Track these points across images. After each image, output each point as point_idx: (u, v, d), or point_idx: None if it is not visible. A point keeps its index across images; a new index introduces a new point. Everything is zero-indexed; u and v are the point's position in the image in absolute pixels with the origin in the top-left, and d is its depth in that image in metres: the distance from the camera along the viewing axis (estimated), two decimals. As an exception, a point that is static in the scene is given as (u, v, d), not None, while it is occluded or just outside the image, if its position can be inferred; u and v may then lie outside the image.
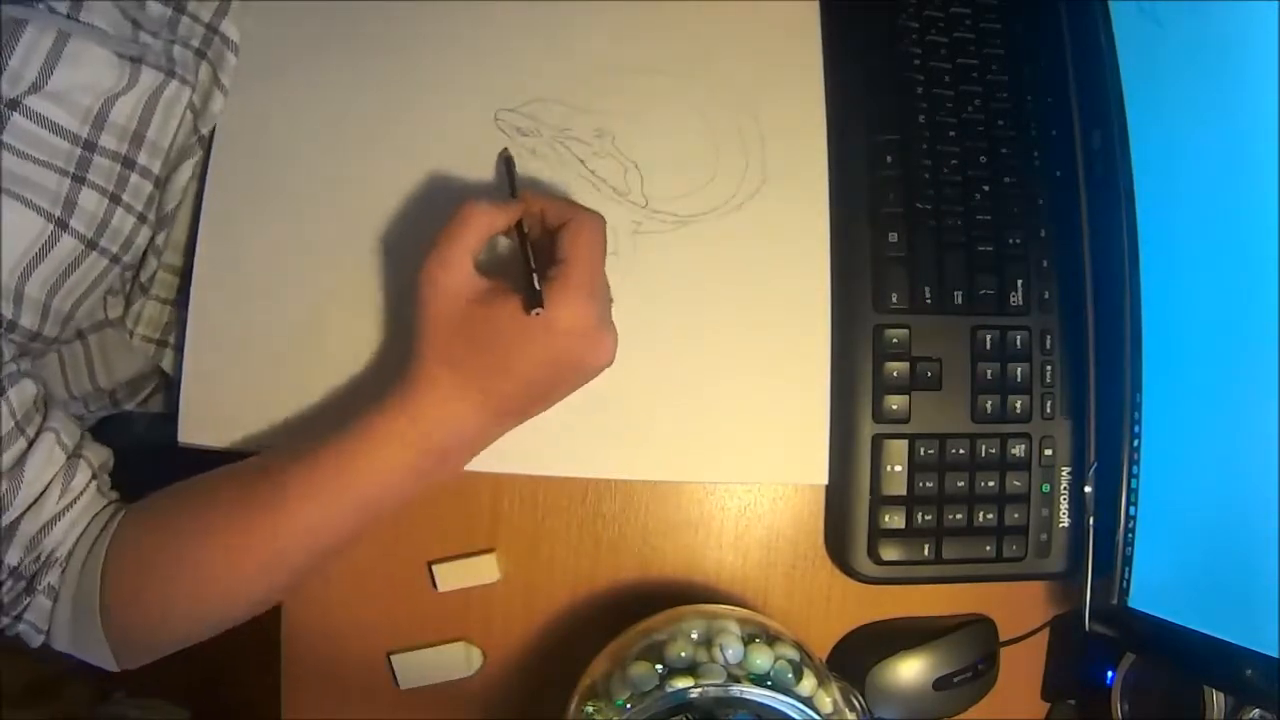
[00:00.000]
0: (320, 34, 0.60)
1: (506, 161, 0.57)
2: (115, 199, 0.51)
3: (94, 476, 0.50)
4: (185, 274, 0.60)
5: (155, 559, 0.48)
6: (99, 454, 0.51)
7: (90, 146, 0.49)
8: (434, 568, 0.58)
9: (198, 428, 0.57)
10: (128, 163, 0.51)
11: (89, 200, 0.49)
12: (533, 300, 0.46)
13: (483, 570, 0.58)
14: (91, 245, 0.50)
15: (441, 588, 0.58)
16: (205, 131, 0.58)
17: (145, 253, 0.57)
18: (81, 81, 0.47)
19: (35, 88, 0.45)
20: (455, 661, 0.59)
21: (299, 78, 0.60)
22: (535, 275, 0.47)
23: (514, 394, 0.49)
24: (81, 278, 0.50)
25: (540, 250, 0.50)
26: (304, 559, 0.50)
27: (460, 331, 0.48)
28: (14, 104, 0.45)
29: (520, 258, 0.49)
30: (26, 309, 0.47)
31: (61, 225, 0.48)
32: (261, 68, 0.60)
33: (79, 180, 0.48)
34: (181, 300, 0.59)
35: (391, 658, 0.58)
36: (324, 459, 0.48)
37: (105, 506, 0.50)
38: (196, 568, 0.48)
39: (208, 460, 0.57)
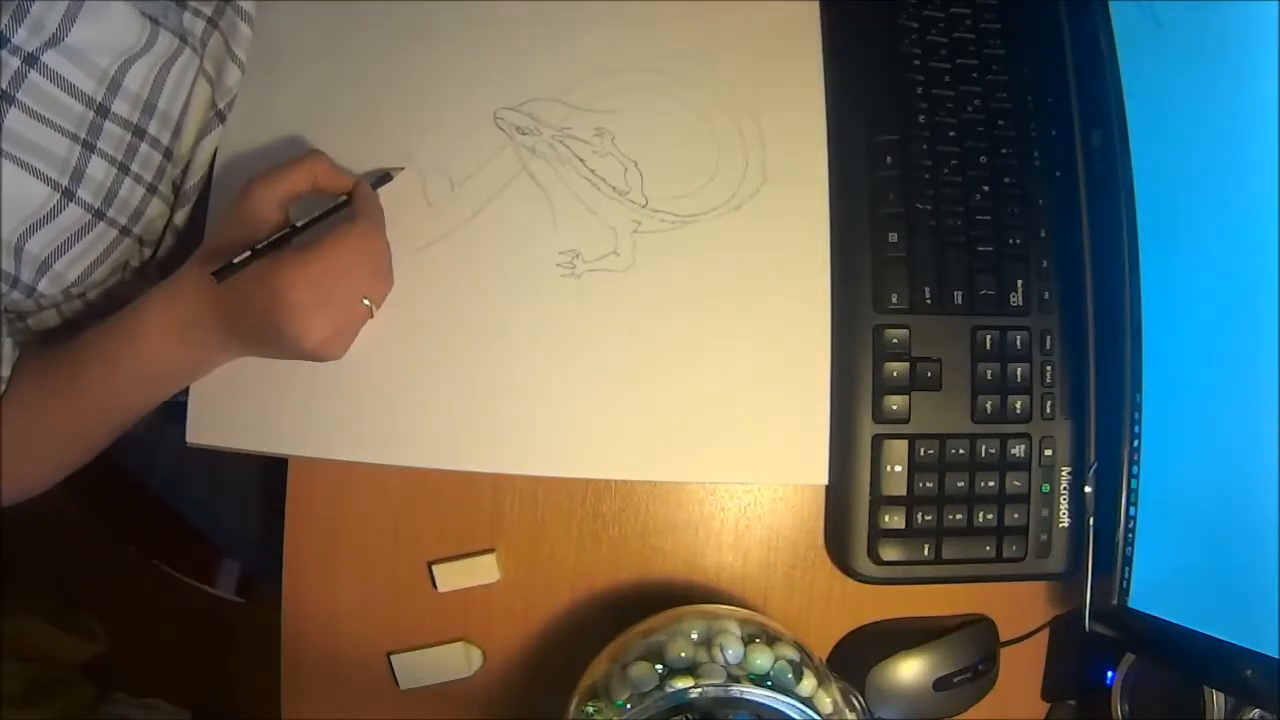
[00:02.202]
0: (321, 33, 0.61)
1: (384, 175, 0.57)
2: (124, 169, 0.51)
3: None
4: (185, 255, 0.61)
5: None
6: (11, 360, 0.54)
7: (103, 111, 0.49)
8: (434, 568, 0.58)
9: (205, 428, 0.57)
10: (138, 132, 0.51)
11: (98, 169, 0.49)
12: (220, 271, 0.49)
13: (483, 570, 0.58)
14: (99, 215, 0.50)
15: (441, 588, 0.58)
16: (223, 106, 0.58)
17: (165, 231, 0.58)
18: (101, 39, 0.47)
19: (55, 40, 0.45)
20: (455, 661, 0.59)
21: (300, 77, 0.60)
22: (252, 252, 0.49)
23: (233, 321, 0.52)
24: (89, 246, 0.51)
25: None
26: (107, 420, 0.55)
27: (230, 232, 0.51)
28: (32, 60, 0.45)
29: (285, 229, 0.51)
30: (25, 265, 0.48)
31: (69, 195, 0.48)
32: (262, 67, 0.60)
33: (89, 148, 0.49)
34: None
35: (391, 658, 0.58)
36: (110, 336, 0.52)
37: None
38: (16, 435, 0.53)
39: (208, 458, 0.57)
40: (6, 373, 0.53)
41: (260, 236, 0.50)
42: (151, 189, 0.53)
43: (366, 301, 0.53)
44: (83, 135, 0.48)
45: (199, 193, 0.59)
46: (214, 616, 1.18)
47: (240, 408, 0.57)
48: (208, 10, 0.55)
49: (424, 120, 0.60)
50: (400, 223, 0.58)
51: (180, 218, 0.58)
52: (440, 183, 0.59)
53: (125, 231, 0.53)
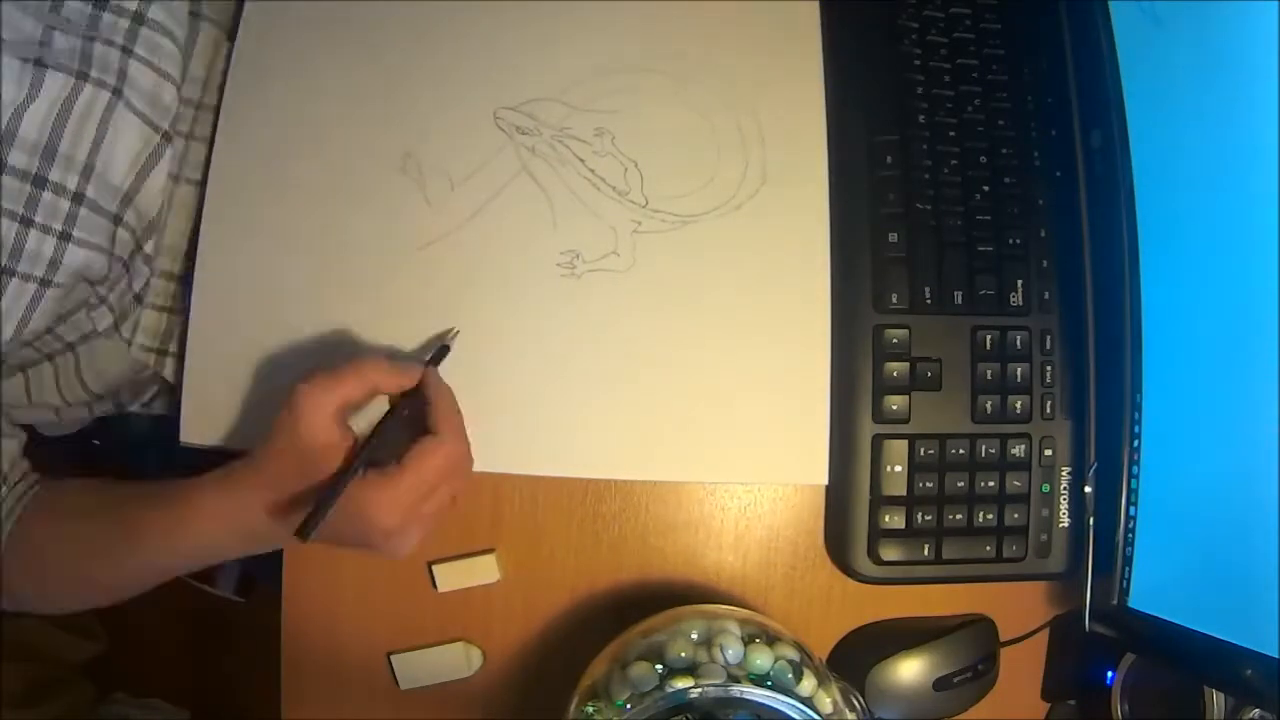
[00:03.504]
0: (320, 34, 0.61)
1: (442, 348, 0.55)
2: (27, 221, 0.49)
3: (9, 484, 0.54)
4: (182, 279, 0.60)
5: (34, 560, 0.54)
6: (12, 457, 0.55)
7: None
8: (434, 568, 0.58)
9: (198, 428, 0.57)
10: (38, 181, 0.49)
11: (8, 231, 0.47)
12: (305, 528, 0.46)
13: (483, 570, 0.58)
14: (7, 272, 0.48)
15: (441, 588, 0.58)
16: (168, 126, 0.55)
17: (133, 263, 0.56)
18: None
19: None
20: (455, 661, 0.59)
21: (299, 78, 0.60)
22: (333, 493, 0.47)
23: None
24: (11, 305, 0.49)
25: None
26: (147, 580, 0.55)
27: (293, 463, 0.49)
28: None
29: (355, 456, 0.49)
30: None
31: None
32: (261, 68, 0.60)
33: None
34: (180, 307, 0.59)
35: (391, 658, 0.58)
36: (160, 518, 0.52)
37: (12, 493, 0.54)
38: (60, 576, 0.55)
39: (207, 457, 0.57)
40: (5, 468, 0.53)
41: (327, 466, 0.48)
42: (65, 236, 0.50)
43: (452, 495, 0.53)
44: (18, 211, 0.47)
45: (182, 219, 0.59)
46: (214, 616, 1.18)
47: (235, 408, 0.57)
48: (119, 39, 0.52)
49: (424, 120, 0.59)
50: (400, 222, 0.58)
51: (151, 247, 0.57)
52: (440, 182, 0.59)
53: (45, 283, 0.50)
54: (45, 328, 0.53)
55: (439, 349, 0.55)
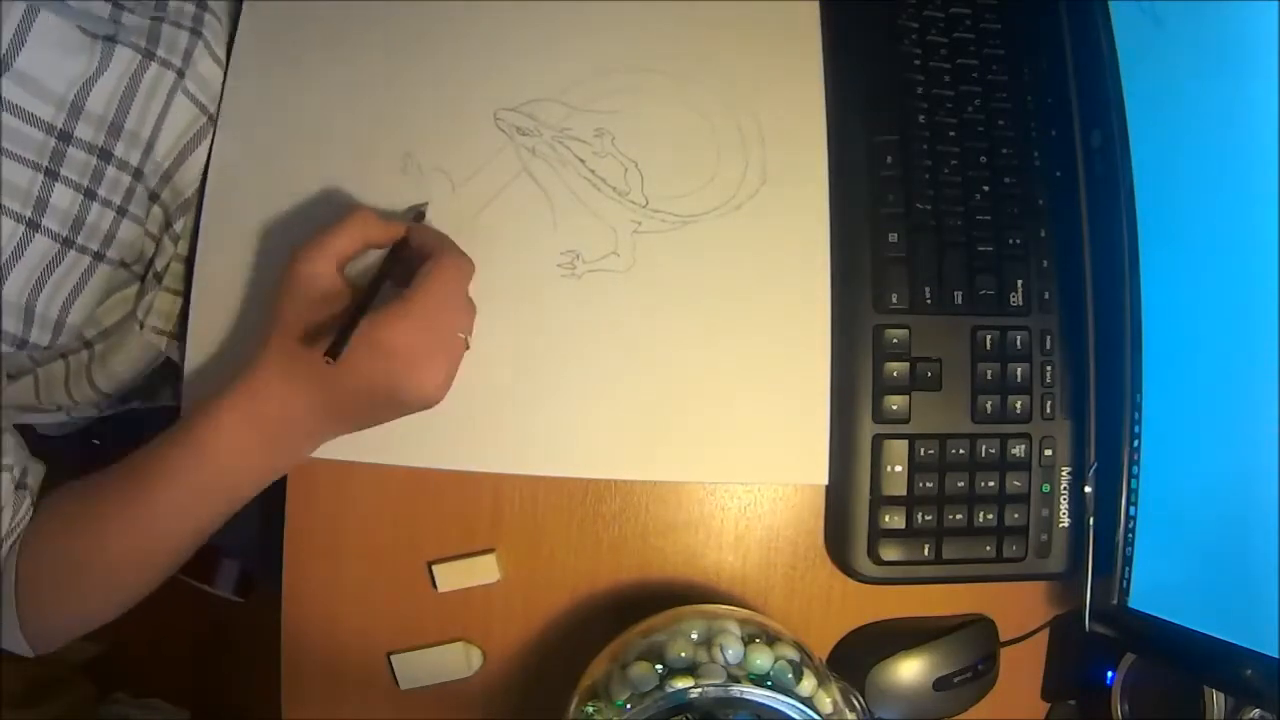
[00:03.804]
0: (321, 32, 0.61)
1: (418, 215, 0.57)
2: (91, 194, 0.50)
3: (33, 502, 0.51)
4: (189, 263, 0.60)
5: (55, 561, 0.51)
6: (36, 474, 0.52)
7: (65, 137, 0.48)
8: (434, 568, 0.58)
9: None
10: (104, 155, 0.50)
11: (63, 197, 0.48)
12: (334, 348, 0.46)
13: (483, 570, 0.58)
14: (68, 244, 0.49)
15: (441, 588, 0.58)
16: (213, 110, 0.57)
17: (161, 240, 0.57)
18: (52, 62, 0.46)
19: (3, 66, 0.44)
20: (455, 662, 0.59)
21: (299, 76, 0.60)
22: (353, 318, 0.47)
23: (340, 399, 0.50)
24: (64, 277, 0.49)
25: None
26: (179, 540, 0.52)
27: (302, 317, 0.49)
28: None
29: (368, 288, 0.50)
30: (8, 314, 0.47)
31: (33, 226, 0.47)
32: (262, 66, 0.60)
33: (52, 175, 0.47)
34: (189, 291, 0.59)
35: (391, 658, 0.58)
36: (179, 445, 0.50)
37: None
38: (89, 564, 0.51)
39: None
40: (9, 461, 0.50)
41: (339, 307, 0.49)
42: (121, 211, 0.52)
43: (462, 334, 0.52)
44: (45, 163, 0.47)
45: (195, 207, 0.59)
46: (214, 616, 1.18)
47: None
48: (187, 21, 0.54)
49: (424, 121, 0.59)
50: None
51: (180, 226, 0.58)
52: (441, 183, 0.59)
53: (99, 257, 0.51)
54: (88, 311, 0.53)
55: (417, 212, 0.57)
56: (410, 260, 0.52)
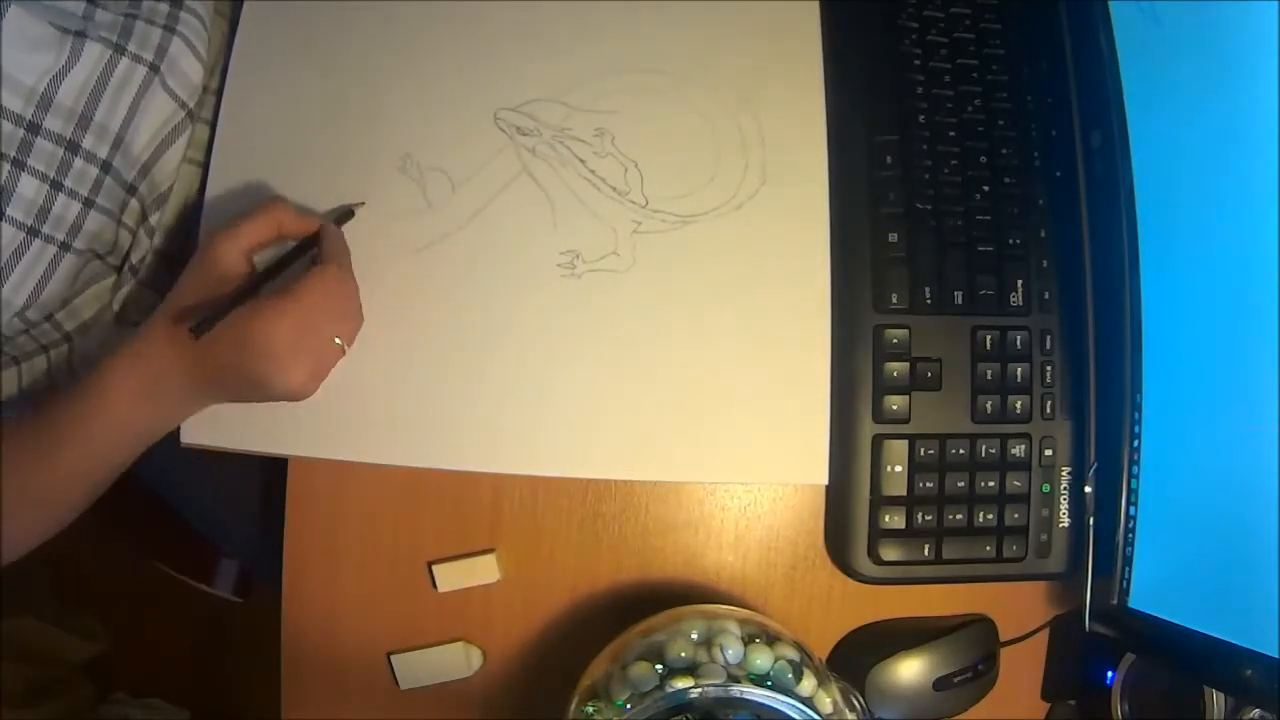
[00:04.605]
0: (321, 32, 0.61)
1: (347, 213, 0.58)
2: (57, 185, 0.51)
3: None
4: (170, 258, 0.60)
5: None
6: None
7: (34, 129, 0.49)
8: (434, 568, 0.58)
9: (200, 428, 0.57)
10: (72, 147, 0.51)
11: (28, 187, 0.49)
12: (199, 325, 0.49)
13: (482, 570, 0.58)
14: (33, 233, 0.50)
15: (441, 588, 0.58)
16: (193, 105, 0.58)
17: (137, 233, 0.57)
18: (21, 55, 0.47)
19: None
20: (455, 662, 0.59)
21: (299, 76, 0.60)
22: (229, 304, 0.50)
23: (209, 374, 0.52)
24: (31, 266, 0.51)
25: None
26: (71, 488, 0.54)
27: (198, 289, 0.52)
28: None
29: (257, 276, 0.52)
30: None
31: None
32: (263, 65, 0.60)
33: (19, 166, 0.48)
34: (162, 284, 0.60)
35: (391, 658, 0.58)
36: (72, 399, 0.51)
37: None
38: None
39: (207, 456, 0.57)
40: None
41: (229, 289, 0.51)
42: (89, 203, 0.53)
43: (338, 341, 0.54)
44: (13, 154, 0.48)
45: (181, 199, 0.59)
46: (214, 616, 1.18)
47: (236, 408, 0.57)
48: (160, 19, 0.55)
49: (424, 121, 0.60)
50: (400, 224, 0.58)
51: (155, 219, 0.58)
52: (441, 183, 0.59)
53: (65, 247, 0.52)
54: (58, 301, 0.54)
55: (343, 212, 0.57)
56: (316, 259, 0.54)
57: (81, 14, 0.50)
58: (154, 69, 0.54)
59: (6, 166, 0.48)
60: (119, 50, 0.52)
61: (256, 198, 0.58)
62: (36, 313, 0.54)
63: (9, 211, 0.49)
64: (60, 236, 0.52)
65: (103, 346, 0.60)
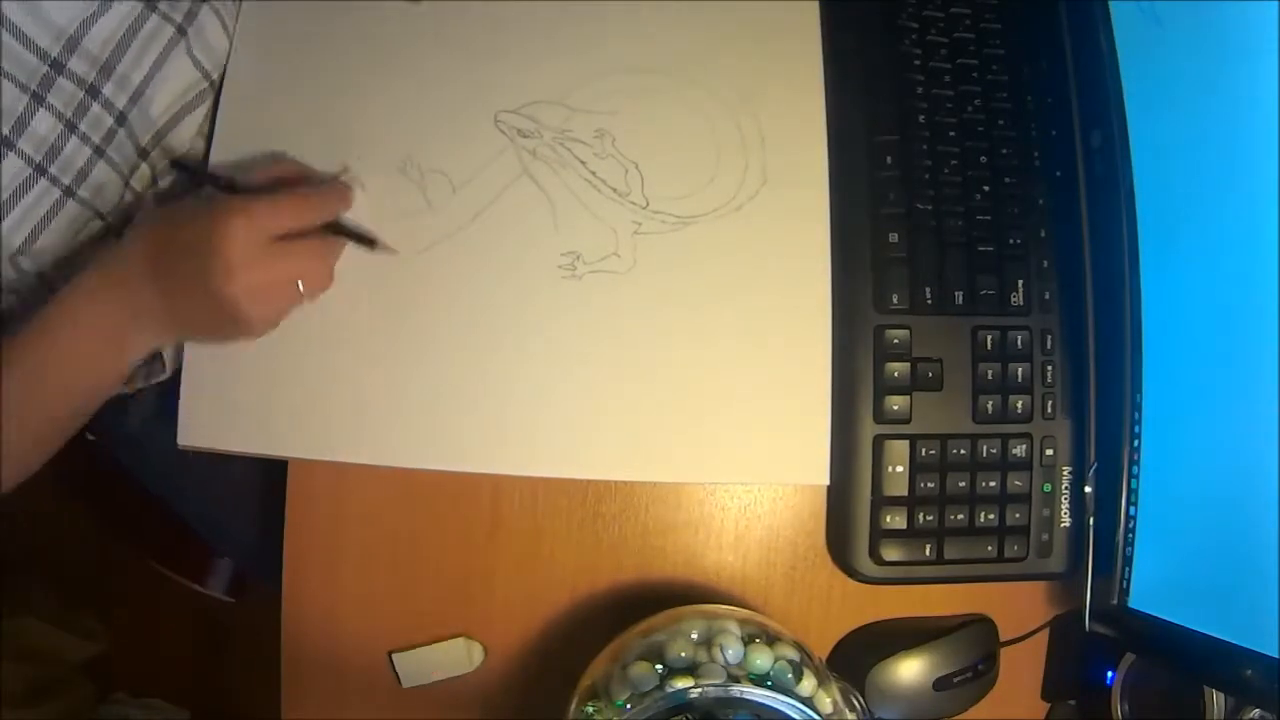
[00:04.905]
0: (320, 35, 0.61)
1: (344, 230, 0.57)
2: (71, 126, 0.51)
3: None
4: None
5: None
6: None
7: (58, 67, 0.49)
8: (395, 658, 0.58)
9: (197, 429, 0.57)
10: (92, 91, 0.51)
11: (43, 123, 0.49)
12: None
13: (454, 659, 0.58)
14: (40, 170, 0.50)
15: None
16: (216, 76, 0.58)
17: (145, 197, 0.57)
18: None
19: None
20: (457, 658, 0.59)
21: (299, 79, 0.60)
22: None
23: (163, 251, 0.51)
24: (32, 206, 0.50)
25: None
26: (39, 418, 0.52)
27: (175, 236, 0.51)
28: None
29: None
30: None
31: (8, 144, 0.48)
32: (262, 67, 0.60)
33: (38, 100, 0.49)
34: None
35: (393, 656, 0.58)
36: (36, 328, 0.50)
37: None
38: None
39: (206, 455, 0.57)
40: None
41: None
42: (99, 151, 0.53)
43: (301, 286, 0.52)
44: (33, 87, 0.48)
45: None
46: (214, 617, 1.18)
47: (234, 408, 0.57)
48: None
49: (425, 122, 0.59)
50: (401, 225, 0.58)
51: (152, 189, 0.58)
52: (441, 185, 0.59)
53: (69, 192, 0.52)
54: (53, 256, 0.54)
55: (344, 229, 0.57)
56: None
57: None
58: (181, 31, 0.54)
59: (26, 99, 0.48)
60: (150, 5, 0.52)
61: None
62: (31, 263, 0.53)
63: (20, 144, 0.49)
64: (66, 180, 0.52)
65: None
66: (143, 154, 0.56)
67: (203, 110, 0.58)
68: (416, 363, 0.57)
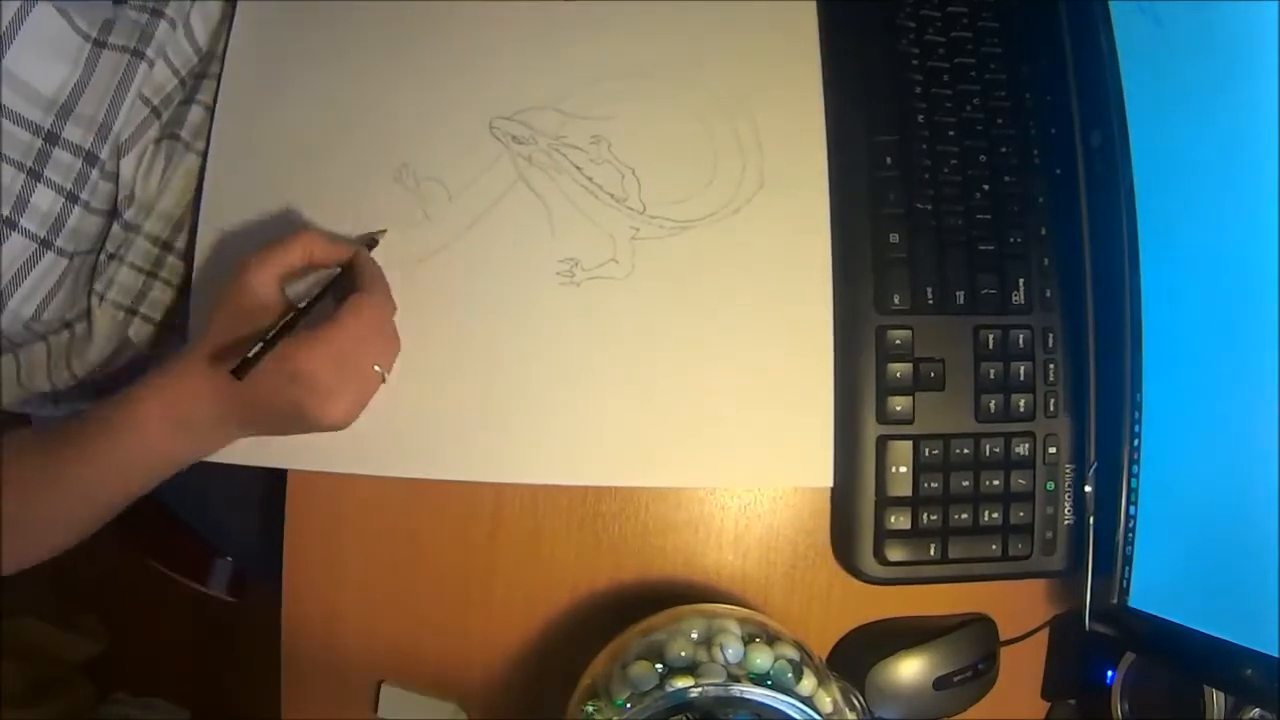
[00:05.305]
0: (314, 42, 0.60)
1: (370, 242, 0.57)
2: (73, 197, 0.51)
3: None
4: (167, 247, 0.60)
5: None
6: None
7: (52, 139, 0.49)
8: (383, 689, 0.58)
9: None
10: (90, 159, 0.51)
11: (43, 198, 0.49)
12: (240, 367, 0.48)
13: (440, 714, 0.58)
14: (46, 245, 0.50)
15: (381, 713, 0.58)
16: (158, 104, 0.57)
17: (110, 227, 0.58)
18: (41, 65, 0.47)
19: None
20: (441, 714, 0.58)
21: (295, 85, 0.60)
22: (267, 340, 0.49)
23: (248, 411, 0.51)
24: (42, 278, 0.51)
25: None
26: (90, 511, 0.53)
27: (234, 324, 0.51)
28: None
29: (296, 311, 0.51)
30: None
31: (10, 225, 0.48)
32: (257, 74, 0.60)
33: (35, 176, 0.48)
34: (161, 273, 0.60)
35: (382, 688, 0.58)
36: (97, 426, 0.51)
37: None
38: (13, 513, 0.52)
39: (206, 468, 0.57)
40: None
41: (266, 323, 0.50)
42: (93, 210, 0.53)
43: (378, 369, 0.53)
44: (29, 164, 0.48)
45: (180, 186, 0.60)
46: (214, 616, 1.18)
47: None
48: (170, 10, 0.55)
49: (419, 131, 0.59)
50: (398, 235, 0.58)
51: (132, 214, 0.58)
52: (437, 194, 0.59)
53: (71, 257, 0.52)
54: (64, 309, 0.54)
55: (368, 239, 0.57)
56: (350, 287, 0.53)
57: (113, 14, 0.50)
58: (150, 66, 0.54)
59: (23, 177, 0.48)
60: (137, 54, 0.52)
61: (252, 208, 0.58)
62: (41, 326, 0.54)
63: (21, 223, 0.49)
64: (70, 249, 0.52)
65: (94, 336, 0.60)
66: (115, 182, 0.56)
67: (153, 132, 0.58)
68: (416, 373, 0.57)
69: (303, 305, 0.51)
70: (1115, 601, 0.54)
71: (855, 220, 0.60)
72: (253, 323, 0.50)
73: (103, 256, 0.59)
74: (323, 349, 0.49)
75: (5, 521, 0.51)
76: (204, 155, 0.59)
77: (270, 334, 0.49)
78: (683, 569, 0.60)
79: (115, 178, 0.56)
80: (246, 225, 0.58)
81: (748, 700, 0.45)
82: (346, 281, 0.54)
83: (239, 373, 0.48)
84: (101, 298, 0.60)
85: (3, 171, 0.47)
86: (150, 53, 0.53)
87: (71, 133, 0.50)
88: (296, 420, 0.51)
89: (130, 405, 0.51)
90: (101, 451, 0.51)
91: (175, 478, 0.75)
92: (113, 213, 0.57)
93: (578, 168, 0.59)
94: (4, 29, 0.45)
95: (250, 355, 0.48)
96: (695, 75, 0.61)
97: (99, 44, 0.50)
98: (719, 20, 0.62)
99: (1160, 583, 0.53)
